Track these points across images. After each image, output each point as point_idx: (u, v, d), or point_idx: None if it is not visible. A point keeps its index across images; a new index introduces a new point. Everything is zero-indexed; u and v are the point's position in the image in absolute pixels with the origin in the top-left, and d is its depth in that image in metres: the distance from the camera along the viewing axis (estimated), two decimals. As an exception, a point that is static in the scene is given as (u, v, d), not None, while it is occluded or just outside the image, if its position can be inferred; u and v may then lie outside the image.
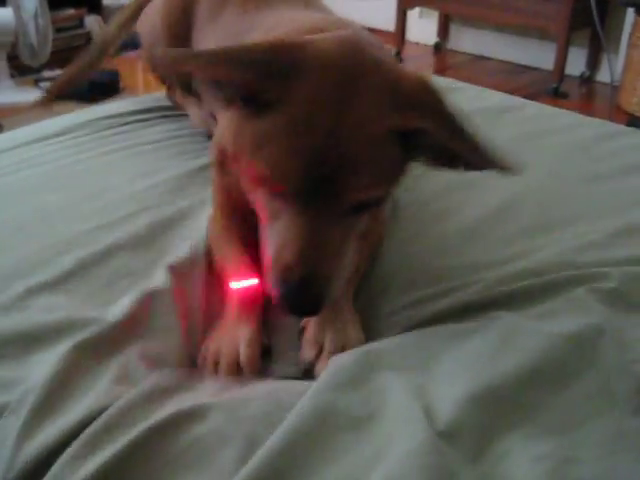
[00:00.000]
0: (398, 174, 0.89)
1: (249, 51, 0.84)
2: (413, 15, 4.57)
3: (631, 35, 3.40)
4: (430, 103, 0.84)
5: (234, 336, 0.94)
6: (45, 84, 3.63)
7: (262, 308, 0.99)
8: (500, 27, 4.33)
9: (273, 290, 0.85)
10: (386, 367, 0.82)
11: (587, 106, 3.70)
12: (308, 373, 0.90)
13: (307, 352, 0.92)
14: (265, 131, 0.83)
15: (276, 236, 0.86)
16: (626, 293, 0.95)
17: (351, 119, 0.81)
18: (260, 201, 0.89)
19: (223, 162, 1.08)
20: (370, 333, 0.94)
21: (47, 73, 3.76)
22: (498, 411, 0.75)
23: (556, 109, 1.79)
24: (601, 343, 0.84)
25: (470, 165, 0.86)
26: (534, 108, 1.78)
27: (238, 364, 0.91)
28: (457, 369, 0.81)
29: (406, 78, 0.86)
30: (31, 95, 3.56)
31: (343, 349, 0.89)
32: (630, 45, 3.39)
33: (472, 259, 1.07)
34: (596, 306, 0.92)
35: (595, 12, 2.71)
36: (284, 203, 0.84)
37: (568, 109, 1.82)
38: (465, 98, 1.76)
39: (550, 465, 0.68)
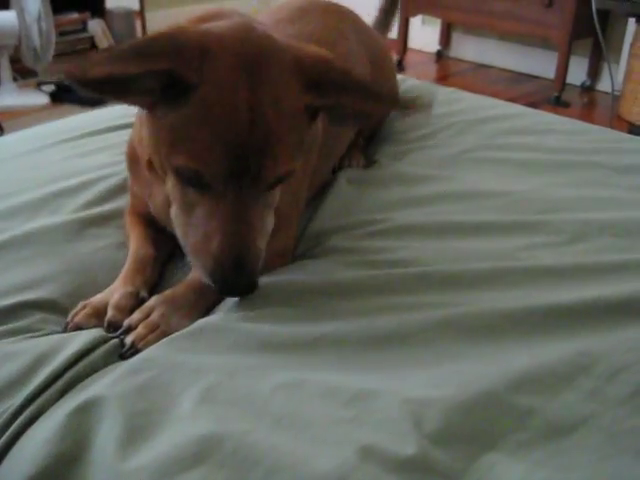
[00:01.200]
0: (307, 142, 0.93)
1: (156, 40, 0.85)
2: (415, 23, 4.58)
3: (632, 45, 3.41)
4: (335, 79, 0.89)
5: (108, 293, 1.01)
6: (47, 87, 3.64)
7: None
8: (502, 36, 4.34)
9: (206, 278, 0.88)
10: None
11: (588, 115, 3.70)
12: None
13: (134, 315, 0.95)
14: (183, 120, 0.84)
15: (198, 224, 0.88)
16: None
17: (265, 100, 0.84)
18: (177, 192, 0.90)
19: (133, 162, 1.11)
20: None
21: (49, 77, 3.77)
22: (489, 418, 0.75)
23: (557, 116, 1.79)
24: (590, 354, 0.84)
25: (373, 116, 0.93)
26: (534, 116, 1.78)
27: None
28: (446, 374, 0.81)
29: (308, 56, 0.90)
30: (33, 99, 3.57)
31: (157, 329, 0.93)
32: (631, 55, 3.39)
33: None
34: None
35: (597, 22, 2.72)
36: (203, 190, 0.86)
37: (569, 118, 1.82)
38: (466, 107, 1.76)
39: (544, 473, 0.69)
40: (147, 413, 0.76)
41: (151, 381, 0.80)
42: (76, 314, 0.97)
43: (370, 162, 1.52)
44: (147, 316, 0.94)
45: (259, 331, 0.91)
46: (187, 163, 0.85)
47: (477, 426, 0.74)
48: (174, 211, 0.93)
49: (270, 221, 0.92)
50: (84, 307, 0.99)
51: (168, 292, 0.99)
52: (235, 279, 0.86)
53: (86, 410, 0.76)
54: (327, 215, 1.24)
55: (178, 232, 0.93)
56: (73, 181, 1.30)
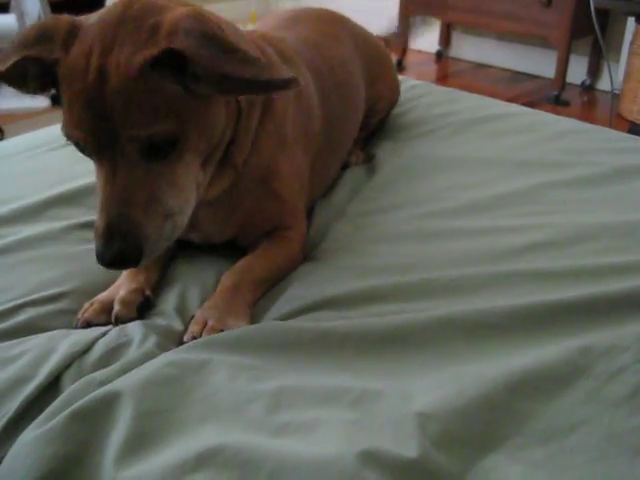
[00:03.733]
0: (183, 108, 0.89)
1: (31, 29, 0.91)
2: (416, 23, 4.58)
3: (632, 43, 3.41)
4: (187, 29, 0.85)
5: (114, 290, 1.03)
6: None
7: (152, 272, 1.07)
8: (501, 35, 4.34)
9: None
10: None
11: (588, 114, 3.70)
12: None
13: (192, 328, 0.95)
14: (60, 95, 0.89)
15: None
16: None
17: (110, 61, 0.85)
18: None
19: None
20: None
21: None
22: (489, 420, 0.75)
23: (556, 116, 1.79)
24: (589, 353, 0.84)
25: (251, 88, 0.87)
26: (532, 116, 1.78)
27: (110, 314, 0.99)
28: (447, 376, 0.82)
29: (172, 14, 0.88)
30: (34, 102, 3.57)
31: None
32: (631, 53, 3.39)
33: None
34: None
35: (595, 21, 2.72)
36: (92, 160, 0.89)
37: (569, 117, 1.82)
38: (464, 106, 1.77)
39: (543, 475, 0.69)
40: (156, 414, 0.76)
41: (162, 380, 0.81)
42: (85, 311, 1.00)
43: (369, 157, 1.53)
44: (203, 326, 0.95)
45: (261, 331, 0.92)
46: (64, 131, 0.89)
47: (478, 429, 0.74)
48: None
49: (168, 194, 0.90)
50: (92, 304, 1.01)
51: (212, 299, 1.01)
52: (103, 248, 0.86)
53: (93, 410, 0.77)
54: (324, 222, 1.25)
55: None
56: (74, 184, 1.31)
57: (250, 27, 1.46)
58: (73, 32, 0.89)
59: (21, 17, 3.44)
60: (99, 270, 1.07)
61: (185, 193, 0.92)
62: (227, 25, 0.97)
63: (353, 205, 1.31)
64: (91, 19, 0.91)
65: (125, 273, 1.06)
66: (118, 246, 0.85)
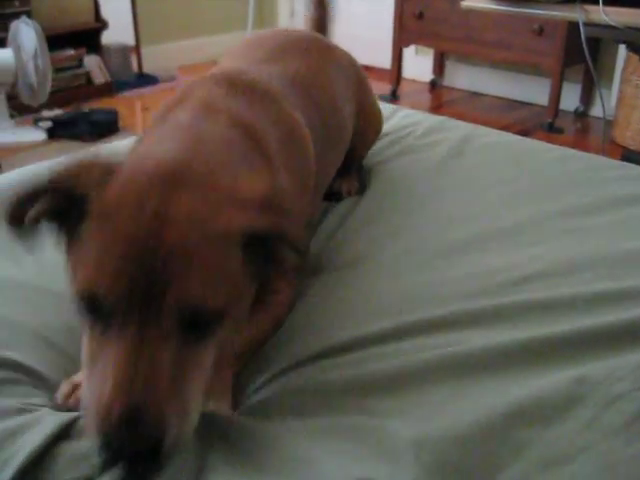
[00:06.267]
0: (239, 287, 0.76)
1: (60, 170, 0.77)
2: (409, 53, 4.62)
3: (623, 70, 3.45)
4: (273, 211, 0.77)
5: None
6: (45, 123, 3.66)
7: None
8: (494, 64, 4.38)
9: (92, 435, 0.68)
10: None
11: (582, 140, 3.73)
12: None
13: None
14: (83, 240, 0.73)
15: (96, 373, 0.70)
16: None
17: (178, 208, 0.71)
18: (85, 340, 0.74)
19: None
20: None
21: (46, 113, 3.80)
22: (486, 450, 0.75)
23: (549, 145, 1.80)
24: (585, 383, 0.84)
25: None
26: (528, 144, 1.79)
27: None
28: (444, 407, 0.81)
29: (246, 187, 0.78)
30: (30, 135, 3.60)
31: None
32: (623, 80, 3.43)
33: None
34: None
35: (586, 49, 2.75)
36: (105, 328, 0.70)
37: (563, 144, 1.84)
38: (458, 135, 1.77)
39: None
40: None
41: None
42: (67, 396, 0.87)
43: (363, 188, 1.52)
44: None
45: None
46: (82, 286, 0.71)
47: (475, 458, 0.74)
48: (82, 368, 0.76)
49: (196, 379, 0.73)
50: (73, 388, 0.87)
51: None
52: (121, 439, 0.65)
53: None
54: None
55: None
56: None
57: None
58: (107, 172, 0.75)
59: (18, 51, 3.48)
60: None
61: (206, 378, 0.76)
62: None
63: (342, 234, 1.30)
64: (120, 163, 0.78)
65: None
66: (145, 438, 0.66)
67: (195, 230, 0.71)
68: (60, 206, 0.76)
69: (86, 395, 0.71)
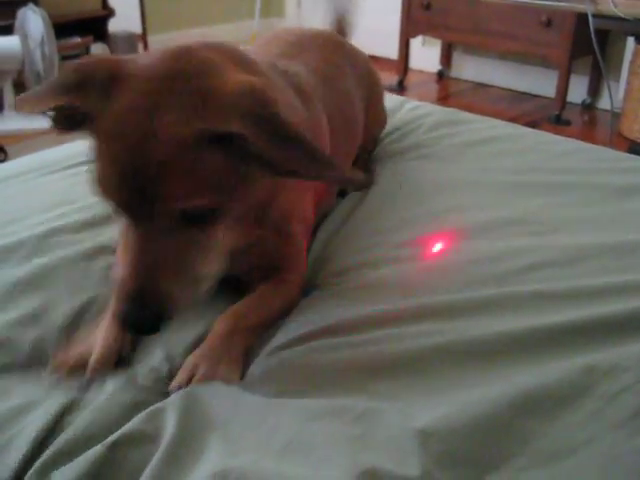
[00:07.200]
0: (228, 183, 0.84)
1: (67, 73, 0.87)
2: (416, 44, 4.61)
3: (632, 63, 3.43)
4: (248, 107, 0.81)
5: (90, 341, 0.97)
6: (50, 112, 3.66)
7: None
8: (502, 55, 4.37)
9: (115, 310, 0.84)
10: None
11: (589, 133, 3.72)
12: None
13: (179, 376, 0.91)
14: (94, 150, 0.83)
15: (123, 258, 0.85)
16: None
17: (157, 125, 0.79)
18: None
19: None
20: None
21: (53, 100, 3.79)
22: (491, 441, 0.75)
23: (557, 137, 1.79)
24: (591, 373, 0.84)
25: (307, 175, 0.87)
26: (535, 136, 1.79)
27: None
28: (450, 397, 0.81)
29: (230, 83, 0.83)
30: (36, 123, 3.59)
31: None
32: (631, 72, 3.41)
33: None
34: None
35: (595, 40, 2.73)
36: (122, 219, 0.84)
37: (570, 136, 1.82)
38: (465, 128, 1.77)
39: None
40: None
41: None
42: (57, 367, 0.94)
43: (370, 182, 1.52)
44: (192, 374, 0.91)
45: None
46: (97, 192, 0.84)
47: (480, 449, 0.74)
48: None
49: (201, 261, 0.86)
50: (64, 361, 0.95)
51: (202, 347, 0.95)
52: (133, 312, 0.81)
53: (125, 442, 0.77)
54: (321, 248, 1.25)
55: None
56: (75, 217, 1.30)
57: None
58: (114, 79, 0.83)
59: (24, 39, 3.47)
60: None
61: (217, 259, 0.89)
62: (282, 95, 0.96)
63: (350, 227, 1.30)
64: (135, 66, 0.85)
65: (105, 324, 0.99)
66: (147, 313, 0.81)
67: (171, 142, 0.79)
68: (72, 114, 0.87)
69: (117, 275, 0.85)
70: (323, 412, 0.79)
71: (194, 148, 0.80)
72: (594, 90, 4.06)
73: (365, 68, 1.63)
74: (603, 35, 3.56)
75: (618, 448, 0.74)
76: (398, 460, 0.71)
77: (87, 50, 4.33)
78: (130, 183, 0.79)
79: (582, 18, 3.10)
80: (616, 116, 3.22)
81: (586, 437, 0.76)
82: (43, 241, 1.20)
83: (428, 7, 4.14)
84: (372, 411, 0.79)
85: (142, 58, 0.87)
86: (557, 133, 1.87)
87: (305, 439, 0.75)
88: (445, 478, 0.70)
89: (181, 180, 0.79)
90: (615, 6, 2.49)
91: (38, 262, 1.13)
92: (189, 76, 0.83)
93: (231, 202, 0.86)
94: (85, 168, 1.50)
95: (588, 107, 4.08)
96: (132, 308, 0.81)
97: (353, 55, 1.59)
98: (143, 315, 0.81)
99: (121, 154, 0.79)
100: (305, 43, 1.43)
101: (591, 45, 2.81)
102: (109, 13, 4.43)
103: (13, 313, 1.02)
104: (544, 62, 4.03)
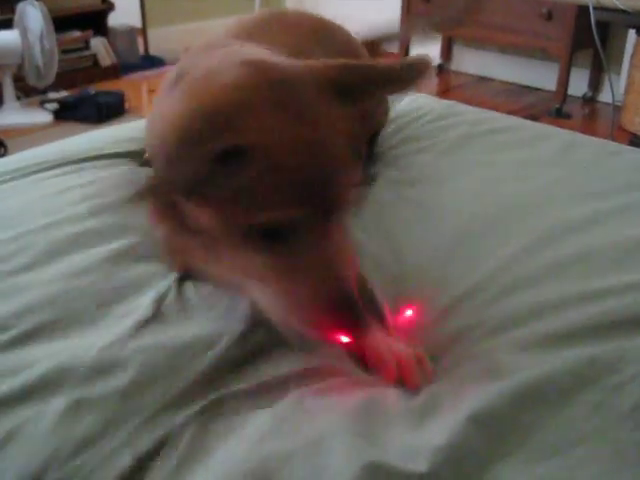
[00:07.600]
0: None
1: (196, 131, 0.79)
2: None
3: (633, 56, 3.43)
4: (359, 79, 0.88)
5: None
6: (51, 105, 3.66)
7: None
8: (502, 48, 4.36)
9: (322, 325, 0.81)
10: None
11: (590, 126, 3.71)
12: None
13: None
14: (248, 182, 0.78)
15: (293, 281, 0.81)
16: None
17: (316, 128, 0.81)
18: (256, 263, 0.83)
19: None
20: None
21: (52, 95, 3.79)
22: (496, 433, 0.75)
23: (557, 129, 1.79)
24: (595, 364, 0.84)
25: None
26: (536, 129, 1.78)
27: None
28: (453, 389, 0.82)
29: (327, 70, 0.87)
30: (36, 117, 3.59)
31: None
32: (632, 65, 3.41)
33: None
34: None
35: (596, 34, 2.73)
36: (283, 248, 0.80)
37: (571, 129, 1.82)
38: (465, 120, 1.77)
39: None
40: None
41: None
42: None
43: (368, 179, 1.50)
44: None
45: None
46: (270, 217, 0.79)
47: (484, 442, 0.73)
48: (255, 288, 0.86)
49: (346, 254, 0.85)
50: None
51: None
52: (344, 319, 0.80)
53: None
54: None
55: (265, 308, 0.86)
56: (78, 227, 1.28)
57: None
58: (239, 113, 0.79)
59: (24, 33, 3.47)
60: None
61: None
62: None
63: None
64: (239, 97, 0.81)
65: None
66: (355, 317, 0.81)
67: (329, 136, 0.81)
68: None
69: (286, 303, 0.82)
70: (329, 403, 0.79)
71: (342, 130, 0.84)
72: (595, 83, 4.05)
73: (346, 53, 1.45)
74: (604, 28, 3.55)
75: (621, 441, 0.74)
76: (405, 455, 0.70)
77: (87, 44, 4.32)
78: (312, 189, 0.79)
79: (583, 10, 3.10)
80: (617, 109, 3.22)
81: (589, 430, 0.75)
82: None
83: (428, 0, 4.13)
84: (376, 402, 0.79)
85: (233, 83, 0.82)
86: (558, 126, 1.86)
87: (311, 429, 0.75)
88: (451, 473, 0.69)
89: (349, 165, 0.84)
90: (616, -2, 2.48)
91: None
92: (292, 81, 0.84)
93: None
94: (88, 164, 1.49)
95: (589, 100, 4.08)
96: (350, 312, 0.80)
97: (329, 42, 1.44)
98: (354, 317, 0.81)
99: (297, 168, 0.79)
100: (276, 21, 1.37)
101: (592, 38, 2.81)
102: (109, 7, 4.42)
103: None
104: (545, 55, 4.02)
